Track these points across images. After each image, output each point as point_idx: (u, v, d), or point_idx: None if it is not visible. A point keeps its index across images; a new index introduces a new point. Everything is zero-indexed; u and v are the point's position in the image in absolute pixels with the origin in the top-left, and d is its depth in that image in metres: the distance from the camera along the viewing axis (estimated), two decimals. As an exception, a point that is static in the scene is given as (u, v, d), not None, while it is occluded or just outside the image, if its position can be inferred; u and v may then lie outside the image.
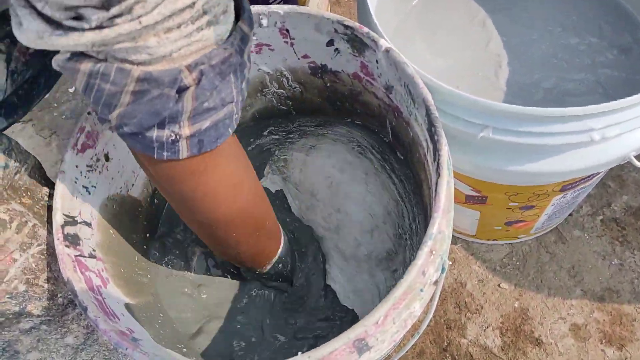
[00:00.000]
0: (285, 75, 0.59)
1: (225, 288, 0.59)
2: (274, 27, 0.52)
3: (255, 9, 0.51)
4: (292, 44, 0.54)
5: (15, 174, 0.43)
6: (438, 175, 0.40)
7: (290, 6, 0.50)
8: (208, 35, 0.32)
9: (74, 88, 0.39)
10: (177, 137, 0.34)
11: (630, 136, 0.47)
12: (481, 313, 0.77)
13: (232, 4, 0.34)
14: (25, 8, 0.27)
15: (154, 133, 0.34)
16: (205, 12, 0.31)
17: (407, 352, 0.76)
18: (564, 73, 0.61)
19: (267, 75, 0.59)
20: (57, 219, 0.44)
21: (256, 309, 0.58)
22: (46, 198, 0.49)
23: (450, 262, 0.82)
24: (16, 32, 0.29)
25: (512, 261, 0.80)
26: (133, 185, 0.56)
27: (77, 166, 0.47)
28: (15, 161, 0.43)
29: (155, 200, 0.60)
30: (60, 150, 0.72)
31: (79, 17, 0.27)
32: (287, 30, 0.53)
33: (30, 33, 0.28)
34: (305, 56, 0.56)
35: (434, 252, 0.40)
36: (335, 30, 0.50)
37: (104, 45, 0.29)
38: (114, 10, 0.27)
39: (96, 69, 0.30)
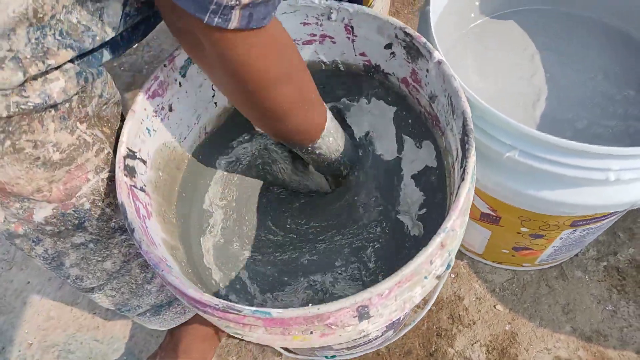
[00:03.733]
0: (339, 67, 0.64)
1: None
2: (341, 22, 0.58)
3: (328, 3, 0.56)
4: (353, 40, 0.59)
5: (104, 104, 0.49)
6: (462, 179, 0.45)
7: (359, 6, 0.55)
8: None
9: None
10: (235, 3, 0.37)
11: (644, 184, 0.51)
12: (472, 328, 0.81)
13: None
14: None
15: None
16: None
17: (395, 349, 0.80)
18: (596, 118, 0.65)
19: (323, 64, 0.65)
20: (122, 150, 0.50)
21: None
22: (120, 131, 0.54)
23: (453, 276, 0.86)
24: None
25: (512, 287, 0.84)
26: (185, 138, 0.61)
27: (145, 109, 0.53)
28: (107, 93, 0.49)
29: (200, 157, 0.65)
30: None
31: None
32: (352, 27, 0.58)
33: None
34: (362, 54, 0.61)
35: (444, 246, 0.44)
36: (396, 35, 0.55)
37: None
38: None
39: None
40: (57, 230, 0.52)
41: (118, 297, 0.65)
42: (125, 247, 0.59)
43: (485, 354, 0.79)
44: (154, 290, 0.67)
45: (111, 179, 0.52)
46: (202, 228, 0.63)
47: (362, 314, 0.43)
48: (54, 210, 0.50)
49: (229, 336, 0.83)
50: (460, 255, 0.86)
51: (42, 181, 0.47)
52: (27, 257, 0.95)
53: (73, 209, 0.51)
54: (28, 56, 0.40)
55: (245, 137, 0.67)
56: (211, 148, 0.66)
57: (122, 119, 0.54)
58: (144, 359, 0.83)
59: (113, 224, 0.56)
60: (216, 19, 0.37)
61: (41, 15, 0.39)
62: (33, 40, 0.40)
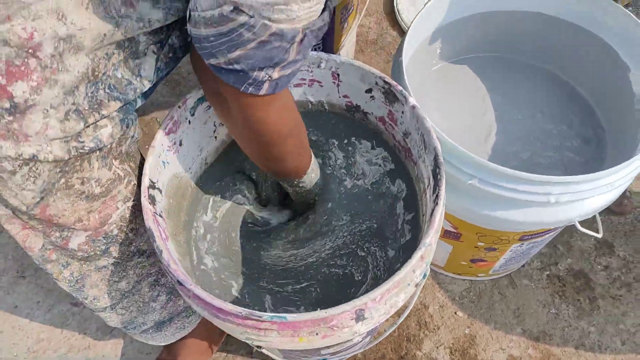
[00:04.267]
0: (324, 106, 0.74)
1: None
2: (328, 70, 0.68)
3: (319, 54, 0.66)
4: (338, 85, 0.70)
5: (132, 142, 0.56)
6: (435, 204, 0.55)
7: (346, 58, 0.66)
8: (317, 10, 0.45)
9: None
10: (268, 78, 0.47)
11: (578, 204, 0.64)
12: (437, 333, 0.92)
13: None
14: None
15: (255, 73, 0.46)
16: None
17: (370, 355, 0.89)
18: (537, 149, 0.78)
19: (310, 103, 0.74)
20: (145, 181, 0.57)
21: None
22: (140, 165, 0.61)
23: (419, 287, 0.96)
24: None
25: (470, 295, 0.95)
26: (190, 169, 0.69)
27: (162, 144, 0.61)
28: (137, 134, 0.56)
29: (200, 185, 0.73)
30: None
31: None
32: (338, 75, 0.68)
33: None
34: (345, 96, 0.71)
35: (423, 258, 0.55)
36: (376, 83, 0.65)
37: (267, 4, 0.41)
38: None
39: (249, 21, 0.42)
40: (87, 255, 0.58)
41: (127, 315, 0.71)
42: (139, 269, 0.66)
43: (449, 355, 0.89)
44: (158, 308, 0.74)
45: (134, 207, 0.59)
46: (200, 250, 0.71)
47: (359, 316, 0.52)
48: (87, 238, 0.56)
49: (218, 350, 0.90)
50: (425, 268, 0.97)
51: (83, 212, 0.53)
52: (13, 282, 0.98)
53: (103, 235, 0.57)
54: (86, 108, 0.47)
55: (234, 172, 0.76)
56: (209, 178, 0.74)
57: (139, 153, 0.61)
58: (137, 375, 0.88)
59: (133, 247, 0.62)
60: (250, 89, 0.47)
61: (97, 73, 0.47)
62: (89, 94, 0.47)
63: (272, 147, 0.57)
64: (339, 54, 1.08)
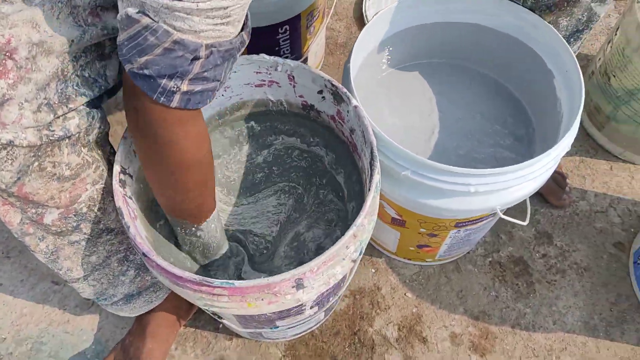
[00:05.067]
0: (283, 104, 0.83)
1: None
2: (285, 73, 0.76)
3: (276, 58, 0.75)
4: (294, 86, 0.78)
5: (99, 133, 0.64)
6: (369, 190, 0.64)
7: (299, 62, 0.74)
8: (225, 30, 0.49)
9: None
10: (177, 89, 0.50)
11: (497, 194, 0.73)
12: (387, 312, 1.01)
13: (244, 18, 0.51)
14: None
15: (163, 81, 0.49)
16: (229, 16, 0.48)
17: (326, 331, 0.98)
18: (474, 146, 0.88)
19: (270, 102, 0.83)
20: (116, 167, 0.65)
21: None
22: (108, 154, 0.70)
23: (374, 271, 1.06)
24: None
25: (419, 278, 1.05)
26: (159, 157, 0.77)
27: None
28: (103, 125, 0.64)
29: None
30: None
31: None
32: (293, 77, 0.77)
33: None
34: (300, 96, 0.80)
35: (356, 236, 0.63)
36: (325, 85, 0.74)
37: (167, 9, 0.44)
38: None
39: (151, 24, 0.45)
40: (59, 230, 0.66)
41: (98, 286, 0.79)
42: (108, 245, 0.74)
43: (397, 331, 0.99)
44: (127, 282, 0.82)
45: (102, 190, 0.67)
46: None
47: (299, 284, 0.61)
48: (59, 215, 0.64)
49: (185, 326, 0.98)
50: (379, 254, 1.06)
51: (55, 191, 0.61)
52: (-2, 262, 1.05)
53: (74, 213, 0.66)
54: (56, 102, 0.55)
55: None
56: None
57: (108, 143, 0.69)
58: (112, 347, 0.96)
59: (101, 225, 0.70)
60: (162, 98, 0.51)
61: (66, 72, 0.55)
62: (59, 90, 0.55)
63: (177, 174, 0.60)
64: (307, 56, 1.17)
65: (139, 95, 0.52)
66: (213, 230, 0.72)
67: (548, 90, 0.83)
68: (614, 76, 1.07)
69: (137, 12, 0.46)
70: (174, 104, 0.52)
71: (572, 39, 0.83)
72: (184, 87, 0.51)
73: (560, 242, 1.09)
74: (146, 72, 0.49)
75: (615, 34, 1.08)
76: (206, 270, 0.78)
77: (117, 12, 0.57)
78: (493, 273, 1.06)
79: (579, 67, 0.75)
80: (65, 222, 0.66)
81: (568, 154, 1.20)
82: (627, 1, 1.01)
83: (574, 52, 0.87)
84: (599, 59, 1.15)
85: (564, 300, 1.03)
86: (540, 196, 1.13)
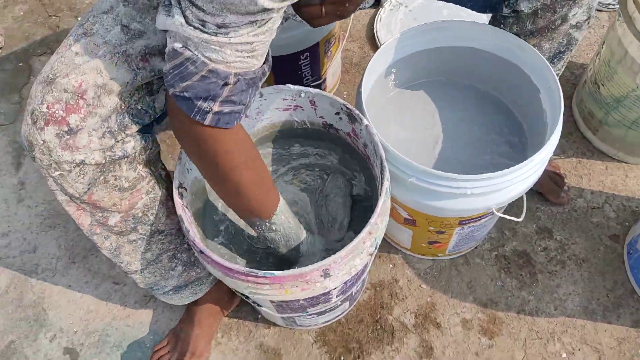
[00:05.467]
0: (306, 124, 0.97)
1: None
2: (307, 99, 0.91)
3: (300, 87, 0.89)
4: (315, 109, 0.93)
5: (151, 153, 0.80)
6: (380, 194, 0.78)
7: (319, 90, 0.89)
8: (250, 62, 0.60)
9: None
10: (209, 109, 0.61)
11: (491, 195, 0.86)
12: (405, 301, 1.14)
13: (266, 53, 0.63)
14: (177, 8, 0.56)
15: (199, 102, 0.61)
16: (254, 50, 0.59)
17: (351, 319, 1.12)
18: (474, 154, 1.01)
19: (295, 122, 0.98)
20: (175, 182, 0.81)
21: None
22: (160, 169, 0.85)
23: (392, 265, 1.19)
24: (161, 19, 0.57)
25: (432, 271, 1.18)
26: (206, 173, 0.93)
27: (186, 156, 0.85)
28: (154, 146, 0.80)
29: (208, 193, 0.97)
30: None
31: (203, 24, 0.55)
32: (314, 102, 0.91)
33: (175, 22, 0.56)
34: (321, 117, 0.94)
35: (371, 233, 0.77)
36: (341, 108, 0.88)
37: (205, 42, 0.55)
38: (223, 30, 0.55)
39: (192, 56, 0.57)
40: (121, 230, 0.82)
41: (152, 278, 0.94)
42: (159, 244, 0.89)
43: (414, 318, 1.12)
44: (176, 276, 0.97)
45: (154, 199, 0.83)
46: (214, 233, 0.95)
47: (326, 274, 0.75)
48: (121, 218, 0.80)
49: (229, 317, 1.13)
50: (396, 250, 1.20)
51: (117, 199, 0.77)
52: (66, 266, 1.22)
53: (132, 217, 0.81)
54: (116, 129, 0.71)
55: None
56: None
57: (159, 160, 0.85)
58: (167, 333, 1.12)
59: (154, 227, 0.86)
60: (197, 116, 0.63)
61: (123, 107, 0.71)
62: (118, 121, 0.71)
63: (226, 179, 0.71)
64: (325, 77, 1.32)
65: (180, 115, 0.65)
66: (285, 221, 0.81)
67: (535, 104, 0.96)
68: (603, 85, 1.19)
69: (181, 47, 0.58)
70: (207, 122, 0.63)
71: (555, 59, 0.96)
72: (215, 107, 0.62)
73: (559, 236, 1.21)
74: (186, 94, 0.61)
75: (602, 47, 1.20)
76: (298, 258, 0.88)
77: (161, 58, 0.73)
78: (499, 265, 1.18)
79: (559, 84, 0.88)
80: (125, 224, 0.81)
81: (566, 155, 1.31)
82: (615, 16, 1.13)
83: (560, 70, 1.00)
84: (590, 69, 1.27)
85: (564, 288, 1.15)
86: (540, 195, 1.24)
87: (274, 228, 0.81)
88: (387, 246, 1.20)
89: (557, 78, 0.89)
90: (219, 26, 0.55)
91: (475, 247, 1.20)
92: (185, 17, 0.56)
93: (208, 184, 0.78)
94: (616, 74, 1.14)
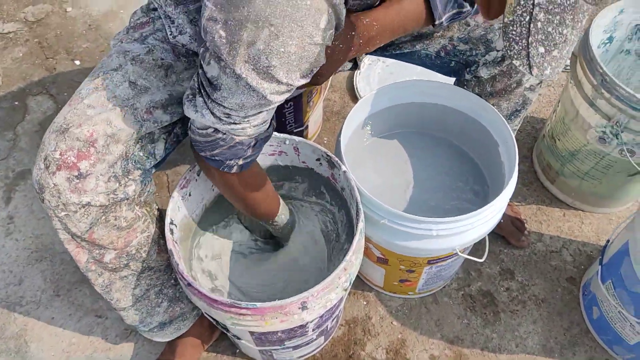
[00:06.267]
0: (290, 168, 1.06)
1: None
2: (291, 145, 1.00)
3: (285, 135, 0.98)
4: (298, 155, 1.02)
5: (148, 195, 0.87)
6: (354, 234, 0.86)
7: (302, 138, 0.98)
8: (262, 128, 0.75)
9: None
10: (236, 164, 0.77)
11: (455, 237, 0.95)
12: (377, 337, 1.20)
13: (270, 120, 0.77)
14: (205, 109, 0.70)
15: (227, 162, 0.76)
16: (266, 121, 0.74)
17: (325, 354, 1.18)
18: (442, 199, 1.11)
19: (280, 166, 1.06)
20: (167, 219, 0.88)
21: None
22: (155, 210, 0.92)
23: (365, 303, 1.26)
24: (192, 113, 0.72)
25: (403, 309, 1.25)
26: (194, 212, 1.00)
27: (178, 195, 0.92)
28: (151, 189, 0.87)
29: (200, 223, 1.03)
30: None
31: (228, 117, 0.69)
32: (297, 148, 1.00)
33: (207, 121, 0.70)
34: (304, 162, 1.03)
35: (346, 269, 0.85)
36: (322, 155, 0.98)
37: (232, 129, 0.71)
38: (244, 119, 0.70)
39: (223, 137, 0.72)
40: (114, 267, 0.88)
41: (139, 315, 0.99)
42: (149, 280, 0.95)
43: (385, 354, 1.18)
44: (162, 312, 1.02)
45: (148, 237, 0.89)
46: (201, 268, 1.01)
47: (303, 306, 0.82)
48: (116, 254, 0.86)
49: (208, 351, 1.17)
50: (369, 288, 1.27)
51: (114, 237, 0.83)
52: (51, 299, 1.25)
53: (126, 254, 0.87)
54: (120, 174, 0.78)
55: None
56: (207, 217, 1.05)
57: (154, 201, 0.92)
58: (147, 368, 1.15)
59: (145, 264, 0.92)
60: (225, 169, 0.78)
61: (128, 154, 0.78)
62: (122, 166, 0.78)
63: (245, 202, 0.89)
64: (308, 124, 1.42)
65: (209, 166, 0.80)
66: (284, 218, 1.00)
67: (495, 156, 1.07)
68: (559, 139, 1.32)
69: (212, 131, 0.73)
70: (233, 171, 0.79)
71: (512, 117, 1.07)
72: (240, 162, 0.78)
73: (521, 278, 1.30)
74: (216, 158, 0.76)
75: (558, 106, 1.33)
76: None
77: (163, 110, 0.81)
78: (465, 304, 1.26)
79: (514, 139, 0.99)
80: (119, 260, 0.87)
81: (527, 202, 1.42)
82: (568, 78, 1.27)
83: (517, 125, 1.12)
84: (548, 124, 1.40)
85: (524, 326, 1.23)
86: (503, 239, 1.34)
87: (274, 224, 0.99)
88: (361, 284, 1.27)
89: (513, 134, 1.01)
90: (242, 117, 0.70)
91: (444, 287, 1.28)
92: (213, 114, 0.70)
93: (229, 201, 0.94)
94: (570, 130, 1.27)
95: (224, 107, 0.68)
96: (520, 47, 0.53)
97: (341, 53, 0.79)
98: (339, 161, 0.95)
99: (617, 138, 1.15)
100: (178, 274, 0.84)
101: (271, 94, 0.66)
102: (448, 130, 1.17)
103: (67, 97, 1.60)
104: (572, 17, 0.51)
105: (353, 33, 0.79)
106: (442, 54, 1.00)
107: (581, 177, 1.32)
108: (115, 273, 0.89)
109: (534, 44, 0.52)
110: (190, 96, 0.73)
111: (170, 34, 0.83)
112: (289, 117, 1.34)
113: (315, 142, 1.49)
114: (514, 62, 0.54)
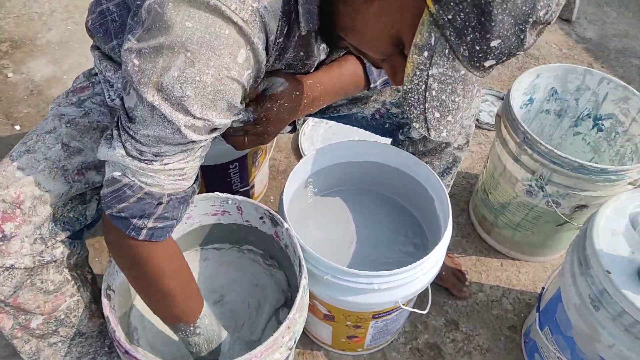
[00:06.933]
0: (233, 226, 1.07)
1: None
2: (234, 205, 1.01)
3: (227, 195, 1.00)
4: (241, 214, 1.03)
5: (79, 257, 0.85)
6: (297, 291, 0.87)
7: (244, 197, 1.00)
8: (181, 184, 0.68)
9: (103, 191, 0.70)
10: (144, 226, 0.68)
11: (397, 290, 0.97)
12: (327, 398, 1.18)
13: (195, 175, 0.71)
14: (118, 141, 0.64)
15: (134, 220, 0.67)
16: (184, 174, 0.67)
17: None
18: (383, 253, 1.14)
19: (222, 225, 1.07)
20: (104, 284, 0.86)
21: None
22: (87, 272, 0.90)
23: (314, 362, 1.24)
24: (103, 150, 0.65)
25: (352, 366, 1.24)
26: (135, 274, 0.98)
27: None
28: (82, 251, 0.85)
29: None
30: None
31: (140, 153, 0.63)
32: (240, 207, 1.02)
33: (116, 154, 0.63)
34: (247, 220, 1.04)
35: (289, 327, 0.85)
36: (265, 214, 0.99)
37: (142, 170, 0.63)
38: (158, 158, 0.63)
39: (130, 183, 0.65)
40: (42, 333, 0.84)
41: None
42: (80, 347, 0.91)
43: (336, 415, 1.16)
44: None
45: (77, 301, 0.86)
46: (136, 327, 0.98)
47: (247, 368, 0.81)
48: (43, 320, 0.83)
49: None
50: (318, 347, 1.26)
51: (41, 301, 0.80)
52: (-24, 377, 1.16)
53: (54, 319, 0.84)
54: (47, 236, 0.77)
55: None
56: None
57: (87, 264, 0.90)
58: None
59: (75, 330, 0.88)
60: (132, 232, 0.69)
61: (57, 215, 0.77)
62: (50, 228, 0.77)
63: (155, 284, 0.76)
64: (253, 183, 1.44)
65: (116, 230, 0.71)
66: (208, 324, 0.85)
67: (431, 210, 1.12)
68: (491, 193, 1.40)
69: (120, 175, 0.66)
70: (141, 237, 0.70)
71: (444, 174, 1.14)
72: (150, 224, 0.69)
73: (465, 328, 1.33)
74: (122, 214, 0.68)
75: (488, 162, 1.42)
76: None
77: (96, 171, 0.81)
78: (413, 358, 1.27)
79: (447, 194, 1.05)
80: (47, 326, 0.84)
81: (467, 254, 1.48)
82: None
83: (450, 182, 1.19)
84: (480, 179, 1.48)
85: (472, 377, 1.24)
86: (446, 290, 1.38)
87: (197, 332, 0.84)
88: (309, 343, 1.26)
89: (446, 189, 1.07)
90: (154, 155, 0.64)
91: (391, 341, 1.29)
92: (125, 148, 0.65)
93: (135, 291, 0.83)
94: (499, 184, 1.35)
95: (137, 140, 0.63)
96: (419, 112, 0.58)
97: (286, 111, 0.82)
98: (281, 219, 0.97)
99: (543, 190, 1.24)
100: (115, 341, 0.82)
101: (185, 127, 0.61)
102: (387, 187, 1.23)
103: (4, 161, 1.56)
104: (462, 87, 0.57)
105: (297, 93, 0.82)
106: (377, 116, 1.07)
107: (514, 228, 1.39)
108: (44, 340, 0.85)
109: (430, 109, 0.58)
110: (109, 135, 0.68)
111: (109, 97, 0.84)
112: (234, 177, 1.36)
113: (261, 201, 1.51)
114: (414, 124, 0.60)
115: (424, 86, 0.56)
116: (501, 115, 1.30)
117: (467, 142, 1.08)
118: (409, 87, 0.57)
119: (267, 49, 0.65)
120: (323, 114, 1.09)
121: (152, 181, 0.66)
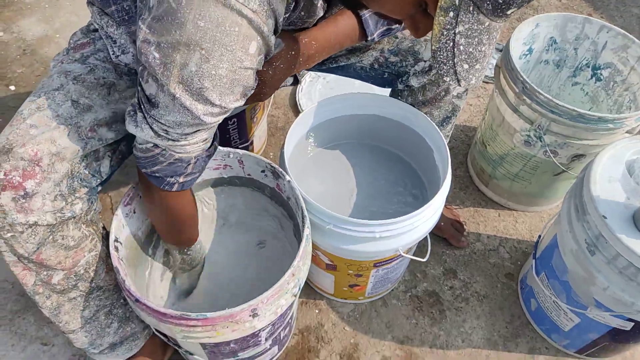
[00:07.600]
0: (236, 181, 1.08)
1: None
2: (235, 158, 1.02)
3: (228, 149, 1.01)
4: (242, 167, 1.04)
5: (94, 213, 0.86)
6: (301, 240, 0.89)
7: (245, 151, 1.01)
8: (204, 148, 0.76)
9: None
10: (176, 182, 0.78)
11: (397, 238, 0.99)
12: (330, 344, 1.23)
13: (214, 137, 0.79)
14: (145, 124, 0.71)
15: (168, 178, 0.77)
16: (205, 140, 0.75)
17: (280, 363, 1.19)
18: (383, 204, 1.16)
19: (224, 178, 1.08)
20: (112, 237, 0.87)
21: None
22: (101, 228, 0.91)
23: (317, 311, 1.28)
24: (132, 128, 0.72)
25: (354, 314, 1.28)
26: (140, 229, 1.00)
27: (122, 212, 0.92)
28: (97, 207, 0.87)
29: (143, 241, 1.03)
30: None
31: (167, 133, 0.70)
32: (242, 161, 1.03)
33: (146, 135, 0.71)
34: (249, 174, 1.05)
35: (294, 274, 0.87)
36: (266, 166, 1.00)
37: (171, 145, 0.72)
38: (184, 136, 0.71)
39: (163, 152, 0.73)
40: (62, 288, 0.86)
41: (89, 337, 0.97)
42: (98, 300, 0.94)
43: (339, 359, 1.21)
44: (112, 333, 1.01)
45: (95, 256, 0.88)
46: (146, 283, 1.00)
47: (254, 313, 0.84)
48: (64, 275, 0.85)
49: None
50: (320, 296, 1.30)
51: (62, 257, 0.82)
52: (-10, 331, 1.20)
53: (74, 274, 0.86)
54: (66, 193, 0.78)
55: None
56: (153, 234, 1.05)
57: (100, 220, 0.92)
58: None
59: (93, 284, 0.91)
60: (166, 187, 0.79)
61: (74, 172, 0.79)
62: (68, 184, 0.78)
63: (177, 223, 0.91)
64: (252, 140, 1.45)
65: (150, 186, 0.80)
66: (198, 249, 1.03)
67: (430, 161, 1.14)
68: (489, 145, 1.41)
69: (152, 146, 0.74)
70: (173, 189, 0.80)
71: (444, 124, 1.15)
72: (181, 180, 0.79)
73: (463, 276, 1.37)
74: (156, 174, 0.77)
75: (486, 113, 1.43)
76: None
77: (108, 128, 0.82)
78: (413, 305, 1.31)
79: (446, 144, 1.06)
80: (67, 281, 0.86)
81: (465, 205, 1.50)
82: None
83: (449, 132, 1.19)
84: (479, 131, 1.49)
85: (469, 322, 1.29)
86: (445, 241, 1.41)
87: (188, 253, 1.03)
88: (312, 293, 1.30)
89: (445, 140, 1.07)
90: (180, 135, 0.71)
91: (392, 289, 1.32)
92: (152, 130, 0.71)
93: (155, 225, 0.96)
94: (498, 136, 1.36)
95: (162, 123, 0.69)
96: (449, 67, 0.62)
97: (282, 72, 0.84)
98: (283, 171, 0.98)
99: (541, 140, 1.25)
100: (125, 290, 0.84)
101: (204, 115, 0.68)
102: (386, 139, 1.23)
103: (2, 122, 1.55)
104: (487, 36, 0.61)
105: (293, 52, 0.84)
106: (376, 65, 1.06)
107: (512, 179, 1.41)
108: (64, 295, 0.88)
109: (459, 63, 0.62)
110: (132, 112, 0.74)
111: (113, 54, 0.84)
112: (233, 133, 1.36)
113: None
114: (445, 79, 0.64)
115: (451, 44, 0.60)
116: (500, 66, 1.30)
117: (466, 90, 1.08)
118: (437, 46, 0.61)
119: (275, 30, 0.69)
120: (322, 65, 1.08)
121: (181, 150, 0.74)
